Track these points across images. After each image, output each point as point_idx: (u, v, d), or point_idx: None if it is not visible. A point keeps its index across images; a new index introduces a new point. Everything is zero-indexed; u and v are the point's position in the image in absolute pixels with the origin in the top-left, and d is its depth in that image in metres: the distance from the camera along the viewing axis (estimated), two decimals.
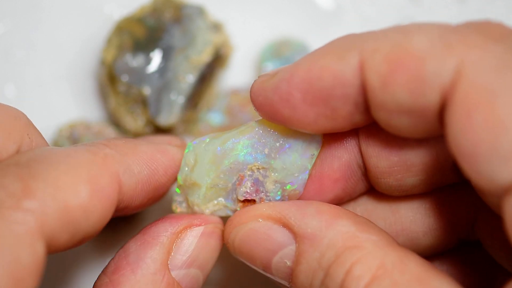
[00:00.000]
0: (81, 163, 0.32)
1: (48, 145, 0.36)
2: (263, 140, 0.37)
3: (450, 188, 0.38)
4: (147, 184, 0.35)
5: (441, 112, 0.31)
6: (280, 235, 0.35)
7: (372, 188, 0.39)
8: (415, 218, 0.38)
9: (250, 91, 0.36)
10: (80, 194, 0.31)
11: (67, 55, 0.51)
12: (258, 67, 0.51)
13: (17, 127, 0.34)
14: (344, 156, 0.37)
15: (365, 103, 0.33)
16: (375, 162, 0.36)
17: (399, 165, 0.36)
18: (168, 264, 0.36)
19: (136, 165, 0.35)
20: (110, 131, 0.48)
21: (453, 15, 0.52)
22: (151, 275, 0.35)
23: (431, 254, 0.39)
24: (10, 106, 0.35)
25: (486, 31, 0.31)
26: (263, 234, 0.35)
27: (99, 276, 0.36)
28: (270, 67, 0.50)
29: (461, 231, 0.38)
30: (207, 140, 0.37)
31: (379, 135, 0.36)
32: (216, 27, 0.48)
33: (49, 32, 0.51)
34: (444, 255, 0.39)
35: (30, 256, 0.29)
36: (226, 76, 0.51)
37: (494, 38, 0.30)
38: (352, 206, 0.39)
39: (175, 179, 0.38)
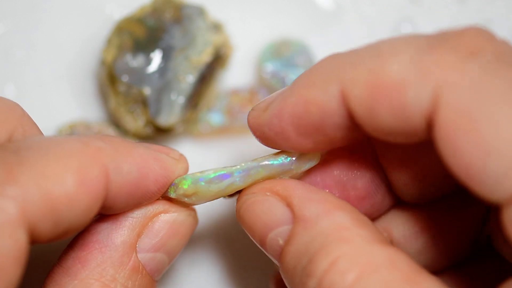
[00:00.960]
0: (71, 152, 0.32)
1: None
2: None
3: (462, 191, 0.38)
4: (134, 186, 0.34)
5: (430, 131, 0.31)
6: (281, 212, 0.35)
7: (400, 201, 0.39)
8: (432, 218, 0.38)
9: (249, 126, 0.37)
10: (66, 183, 0.30)
11: (67, 55, 0.51)
12: (258, 67, 0.51)
13: (10, 117, 0.34)
14: (366, 174, 0.38)
15: (357, 126, 0.34)
16: (397, 175, 0.37)
17: (421, 175, 0.36)
18: (136, 247, 0.36)
19: (127, 164, 0.34)
20: (110, 131, 0.48)
21: (453, 15, 0.52)
22: (118, 257, 0.35)
23: (448, 260, 0.39)
24: (5, 98, 0.35)
25: (460, 46, 0.31)
26: (266, 208, 0.35)
27: (65, 250, 0.36)
28: (270, 67, 0.50)
29: (473, 232, 0.38)
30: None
31: (396, 148, 0.36)
32: (216, 27, 0.48)
33: (49, 32, 0.51)
34: (461, 265, 0.39)
35: (11, 243, 0.29)
36: (226, 76, 0.51)
37: (469, 53, 0.30)
38: (382, 220, 0.39)
39: (164, 190, 0.37)
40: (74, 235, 0.34)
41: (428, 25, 0.52)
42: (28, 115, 0.35)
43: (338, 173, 0.38)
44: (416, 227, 0.38)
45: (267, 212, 0.35)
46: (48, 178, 0.30)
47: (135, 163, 0.34)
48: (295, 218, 0.34)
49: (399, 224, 0.39)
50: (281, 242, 0.34)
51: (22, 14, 0.51)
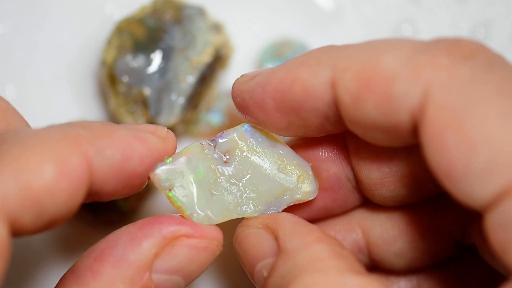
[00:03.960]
0: (49, 142, 0.31)
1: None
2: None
3: (443, 194, 0.38)
4: (119, 169, 0.34)
5: (415, 130, 0.31)
6: (268, 245, 0.35)
7: (366, 201, 0.39)
8: (411, 222, 0.38)
9: (231, 90, 0.37)
10: (45, 174, 0.30)
11: (67, 56, 0.51)
12: (258, 67, 0.51)
13: None
14: (332, 168, 0.38)
15: (336, 117, 0.34)
16: (367, 174, 0.37)
17: (391, 176, 0.36)
18: (152, 266, 0.35)
19: (109, 148, 0.33)
20: None
21: (453, 15, 0.52)
22: (131, 274, 0.35)
23: (430, 260, 0.39)
24: None
25: (455, 50, 0.31)
26: (255, 240, 0.36)
27: (81, 257, 0.36)
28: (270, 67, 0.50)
29: (456, 233, 0.38)
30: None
31: (368, 147, 0.36)
32: (217, 28, 0.48)
33: (50, 32, 0.51)
34: (443, 265, 0.39)
35: None
36: (227, 76, 0.51)
37: (463, 57, 0.31)
38: (348, 218, 0.40)
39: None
40: (61, 224, 0.33)
41: (428, 25, 0.52)
42: (13, 108, 0.35)
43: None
44: (394, 231, 0.39)
45: (256, 244, 0.35)
46: (27, 170, 0.30)
47: (118, 146, 0.34)
48: (279, 250, 0.34)
49: (376, 226, 0.39)
50: (265, 274, 0.34)
51: (22, 14, 0.51)
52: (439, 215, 0.38)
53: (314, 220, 0.40)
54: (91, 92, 0.51)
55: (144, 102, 0.47)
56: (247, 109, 0.36)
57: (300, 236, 0.34)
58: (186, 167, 0.37)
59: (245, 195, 0.37)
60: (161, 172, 0.36)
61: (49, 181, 0.30)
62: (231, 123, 0.50)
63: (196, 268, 0.36)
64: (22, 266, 0.47)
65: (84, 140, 0.32)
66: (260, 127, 0.37)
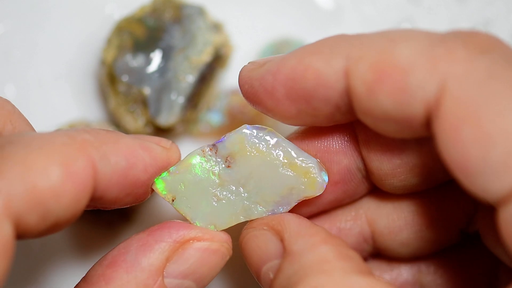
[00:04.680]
0: (55, 145, 0.31)
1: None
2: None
3: (451, 182, 0.38)
4: (123, 176, 0.34)
5: (428, 122, 0.31)
6: (274, 247, 0.35)
7: (374, 189, 0.39)
8: (417, 212, 0.38)
9: (239, 77, 0.37)
10: (50, 176, 0.30)
11: (67, 55, 0.51)
12: None
13: None
14: (343, 161, 0.38)
15: (347, 106, 0.34)
16: (378, 165, 0.37)
17: (402, 166, 0.36)
18: (164, 271, 0.35)
19: (114, 155, 0.33)
20: None
21: (453, 15, 0.52)
22: (144, 278, 0.35)
23: (435, 249, 0.39)
24: None
25: (472, 43, 0.31)
26: (261, 242, 0.36)
27: (94, 265, 0.36)
28: None
29: (461, 222, 0.38)
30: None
31: (379, 139, 0.36)
32: (216, 27, 0.49)
33: (49, 32, 0.51)
34: (447, 252, 0.39)
35: None
36: (226, 76, 0.51)
37: (480, 50, 0.30)
38: (355, 208, 0.40)
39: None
40: (65, 228, 0.33)
41: (428, 25, 0.52)
42: (19, 112, 0.35)
43: (316, 156, 0.38)
44: (401, 221, 0.39)
45: (262, 246, 0.35)
46: (33, 171, 0.30)
47: (122, 153, 0.34)
48: (285, 252, 0.34)
49: (383, 216, 0.39)
50: (271, 276, 0.34)
51: (22, 14, 0.51)
52: (445, 204, 0.38)
53: (324, 212, 0.40)
54: (91, 91, 0.51)
55: (144, 102, 0.47)
56: (256, 96, 0.36)
57: (306, 238, 0.34)
58: (187, 177, 0.37)
59: (251, 198, 0.37)
60: (162, 183, 0.37)
61: (55, 183, 0.30)
62: (231, 122, 0.50)
63: (208, 271, 0.37)
64: (22, 266, 0.47)
65: (89, 145, 0.32)
66: (267, 115, 0.37)
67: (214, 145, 0.37)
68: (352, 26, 0.52)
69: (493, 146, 0.28)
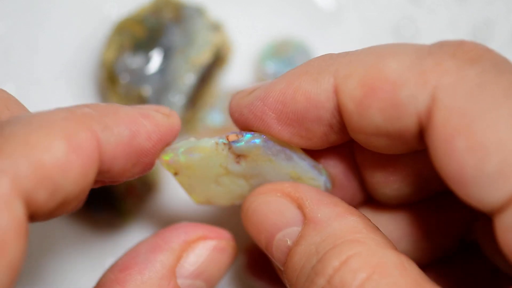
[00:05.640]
0: (56, 120, 0.31)
1: None
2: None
3: (447, 192, 0.38)
4: (128, 146, 0.34)
5: (421, 135, 0.31)
6: (291, 213, 0.34)
7: (369, 199, 0.39)
8: (415, 222, 0.38)
9: (229, 106, 0.36)
10: (55, 150, 0.30)
11: (67, 55, 0.51)
12: (258, 67, 0.51)
13: None
14: (339, 165, 0.38)
15: (340, 125, 0.33)
16: (371, 173, 0.37)
17: (395, 175, 0.36)
18: (175, 272, 0.36)
19: (116, 125, 0.33)
20: None
21: (453, 15, 0.52)
22: (157, 279, 0.35)
23: (434, 258, 0.39)
24: None
25: (460, 54, 0.31)
26: (275, 208, 0.35)
27: (104, 273, 0.36)
28: (270, 66, 0.50)
29: (460, 232, 0.38)
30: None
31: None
32: (216, 27, 0.49)
33: (49, 32, 0.51)
34: (446, 260, 0.39)
35: (8, 217, 0.28)
36: (226, 76, 0.51)
37: (469, 60, 0.30)
38: None
39: (161, 147, 0.36)
40: (76, 207, 0.33)
41: (428, 25, 0.52)
42: (15, 99, 0.35)
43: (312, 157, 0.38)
44: (398, 232, 0.38)
45: (277, 213, 0.35)
46: (36, 148, 0.29)
47: (124, 122, 0.34)
48: (306, 219, 0.34)
49: (380, 226, 0.39)
50: (289, 243, 0.34)
51: (22, 14, 0.51)
52: (442, 214, 0.38)
53: None
54: (90, 91, 0.51)
55: (143, 102, 0.47)
56: (246, 123, 0.36)
57: (330, 206, 0.34)
58: (196, 163, 0.37)
59: (253, 188, 0.37)
60: (169, 159, 0.36)
61: (60, 157, 0.30)
62: (231, 122, 0.50)
63: (217, 271, 0.37)
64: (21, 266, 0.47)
65: (90, 118, 0.32)
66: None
67: (229, 143, 0.37)
68: (352, 26, 0.52)
69: (488, 156, 0.28)
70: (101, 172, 0.33)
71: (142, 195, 0.49)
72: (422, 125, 0.31)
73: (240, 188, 0.37)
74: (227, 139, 0.37)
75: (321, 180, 0.37)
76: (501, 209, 0.29)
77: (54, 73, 0.51)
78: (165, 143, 0.36)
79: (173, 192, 0.49)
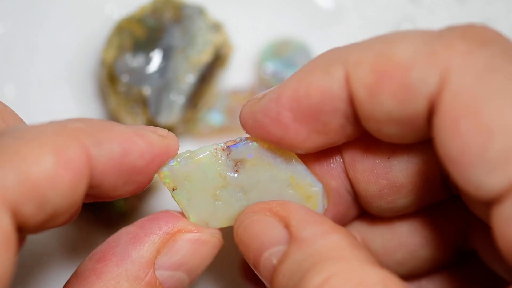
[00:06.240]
0: (47, 134, 0.31)
1: None
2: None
3: (443, 202, 0.38)
4: (119, 163, 0.33)
5: (429, 119, 0.31)
6: (278, 232, 0.34)
7: (364, 212, 0.39)
8: (411, 232, 0.38)
9: (240, 116, 0.36)
10: (44, 164, 0.30)
11: (67, 55, 0.51)
12: (258, 67, 0.51)
13: None
14: (331, 182, 0.37)
15: (355, 114, 0.33)
16: (365, 187, 0.36)
17: (389, 187, 0.36)
18: (154, 263, 0.35)
19: (108, 141, 0.33)
20: None
21: (453, 15, 0.52)
22: (134, 271, 0.35)
23: (432, 267, 0.39)
24: None
25: (471, 37, 0.30)
26: (263, 227, 0.35)
27: (84, 261, 0.36)
28: (270, 66, 0.50)
29: (457, 241, 0.38)
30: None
31: (365, 159, 0.36)
32: (216, 27, 0.49)
33: (49, 32, 0.51)
34: (445, 269, 0.39)
35: None
36: (226, 76, 0.51)
37: (479, 43, 0.30)
38: (359, 231, 0.39)
39: (155, 166, 0.36)
40: (67, 221, 0.33)
41: (428, 25, 0.52)
42: (11, 110, 0.35)
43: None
44: (395, 241, 0.38)
45: (265, 231, 0.35)
46: (26, 161, 0.29)
47: (116, 139, 0.33)
48: (291, 238, 0.34)
49: (377, 236, 0.38)
50: (274, 261, 0.34)
51: (22, 14, 0.51)
52: (439, 223, 0.38)
53: None
54: (91, 91, 0.51)
55: (144, 102, 0.47)
56: (262, 128, 0.35)
57: (315, 225, 0.33)
58: (193, 171, 0.37)
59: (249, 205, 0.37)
60: (167, 171, 0.36)
61: (49, 171, 0.30)
62: (231, 122, 0.50)
63: (199, 262, 0.36)
64: (20, 266, 0.47)
65: (82, 132, 0.32)
66: (278, 147, 0.36)
67: (228, 147, 0.37)
68: (352, 26, 0.52)
69: (492, 139, 0.28)
70: (91, 187, 0.33)
71: (142, 195, 0.49)
72: (432, 108, 0.30)
73: (238, 203, 0.37)
74: (225, 144, 0.37)
75: (319, 187, 0.37)
76: (499, 198, 0.28)
77: (54, 73, 0.51)
78: (159, 163, 0.36)
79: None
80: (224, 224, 0.37)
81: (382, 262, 0.39)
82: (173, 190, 0.37)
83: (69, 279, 0.35)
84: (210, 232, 0.37)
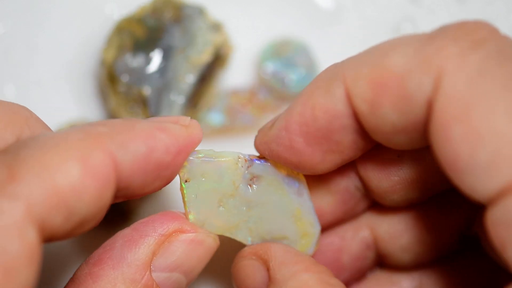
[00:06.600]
0: (71, 142, 0.31)
1: None
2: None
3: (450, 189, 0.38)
4: (145, 162, 0.33)
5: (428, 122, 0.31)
6: (261, 276, 0.35)
7: (373, 204, 0.39)
8: (417, 216, 0.38)
9: (255, 147, 0.37)
10: (70, 173, 0.30)
11: (67, 55, 0.51)
12: (258, 67, 0.51)
13: (16, 119, 0.33)
14: (341, 182, 0.38)
15: (363, 128, 0.33)
16: (377, 184, 0.37)
17: (401, 183, 0.36)
18: (151, 265, 0.35)
19: (132, 142, 0.33)
20: None
21: (453, 15, 0.52)
22: (130, 274, 0.35)
23: (435, 255, 0.39)
24: (11, 103, 0.34)
25: (463, 37, 0.30)
26: (249, 271, 0.36)
27: (81, 265, 0.36)
28: (270, 66, 0.50)
29: (462, 226, 0.38)
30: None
31: (375, 159, 0.36)
32: (216, 27, 0.49)
33: (49, 32, 0.51)
34: (449, 258, 0.39)
35: (19, 244, 0.28)
36: (226, 76, 0.51)
37: (471, 44, 0.30)
38: (356, 220, 0.40)
39: (182, 158, 0.36)
40: (94, 225, 0.33)
41: (428, 25, 0.52)
42: (36, 116, 0.35)
43: (312, 179, 0.38)
44: (401, 225, 0.38)
45: (249, 276, 0.36)
46: (51, 171, 0.29)
47: (140, 138, 0.33)
48: (269, 281, 0.35)
49: (383, 222, 0.39)
50: None
51: (22, 14, 0.51)
52: (445, 210, 0.38)
53: (323, 230, 0.40)
54: (90, 91, 0.51)
55: (144, 102, 0.47)
56: (279, 157, 0.36)
57: (289, 266, 0.34)
58: (212, 171, 0.37)
59: (248, 223, 0.37)
60: (188, 160, 0.36)
61: (75, 180, 0.30)
62: (231, 122, 0.50)
63: (196, 263, 0.36)
64: None
65: (105, 137, 0.32)
66: (297, 171, 0.37)
67: (251, 160, 0.37)
68: (352, 26, 0.52)
69: (482, 144, 0.28)
70: (120, 190, 0.33)
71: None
72: (430, 113, 0.31)
73: (238, 217, 0.37)
74: (249, 156, 0.37)
75: (317, 229, 0.37)
76: (492, 202, 0.29)
77: (54, 73, 0.51)
78: (186, 155, 0.36)
79: (172, 192, 0.49)
80: (218, 231, 0.37)
81: (387, 248, 0.39)
82: (186, 181, 0.37)
83: (66, 284, 0.35)
84: (205, 232, 0.37)
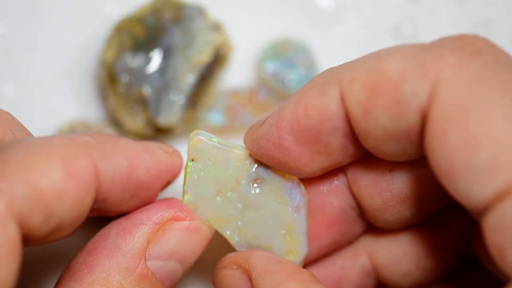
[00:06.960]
0: (56, 146, 0.31)
1: None
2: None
3: (445, 209, 0.38)
4: (126, 177, 0.34)
5: (423, 129, 0.31)
6: (243, 286, 0.35)
7: (369, 228, 0.39)
8: (415, 242, 0.38)
9: (244, 143, 0.37)
10: (52, 176, 0.30)
11: (67, 55, 0.51)
12: (258, 67, 0.51)
13: None
14: (335, 201, 0.37)
15: (354, 133, 0.33)
16: (369, 201, 0.36)
17: (393, 199, 0.36)
18: (146, 254, 0.35)
19: (116, 155, 0.33)
20: (110, 131, 0.48)
21: (453, 15, 0.52)
22: (125, 263, 0.35)
23: (437, 277, 0.39)
24: None
25: (460, 48, 0.31)
26: (230, 282, 0.36)
27: (75, 254, 0.36)
28: (270, 66, 0.50)
29: (459, 247, 0.38)
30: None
31: (367, 174, 0.36)
32: (216, 27, 0.49)
33: (49, 32, 0.51)
34: (451, 279, 0.39)
35: (2, 237, 0.28)
36: (226, 76, 0.51)
37: (469, 54, 0.30)
38: (353, 246, 0.39)
39: (162, 184, 0.37)
40: (71, 233, 0.33)
41: (428, 25, 0.52)
42: (18, 122, 0.35)
43: (309, 196, 0.38)
44: (399, 251, 0.38)
45: (232, 287, 0.36)
46: (34, 172, 0.30)
47: (124, 154, 0.34)
48: None
49: (381, 247, 0.39)
50: None
51: (22, 14, 0.51)
52: (442, 232, 0.38)
53: (323, 256, 0.39)
54: (90, 91, 0.51)
55: (143, 102, 0.47)
56: (267, 154, 0.36)
57: (272, 275, 0.34)
58: (221, 158, 0.37)
59: (239, 221, 0.37)
60: (200, 140, 0.36)
61: (57, 183, 0.30)
62: (231, 122, 0.50)
63: (191, 251, 0.37)
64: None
65: (90, 146, 0.32)
66: (283, 171, 0.37)
67: (260, 162, 0.37)
68: (352, 26, 0.52)
69: (478, 149, 0.28)
70: (97, 201, 0.33)
71: None
72: (424, 120, 0.31)
73: (231, 212, 0.37)
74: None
75: (304, 251, 0.37)
76: (488, 207, 0.28)
77: (54, 73, 0.51)
78: (165, 180, 0.36)
79: (172, 192, 0.49)
80: (210, 219, 0.37)
81: (387, 275, 0.39)
82: (192, 160, 0.37)
83: (62, 274, 0.36)
84: (200, 220, 0.37)
